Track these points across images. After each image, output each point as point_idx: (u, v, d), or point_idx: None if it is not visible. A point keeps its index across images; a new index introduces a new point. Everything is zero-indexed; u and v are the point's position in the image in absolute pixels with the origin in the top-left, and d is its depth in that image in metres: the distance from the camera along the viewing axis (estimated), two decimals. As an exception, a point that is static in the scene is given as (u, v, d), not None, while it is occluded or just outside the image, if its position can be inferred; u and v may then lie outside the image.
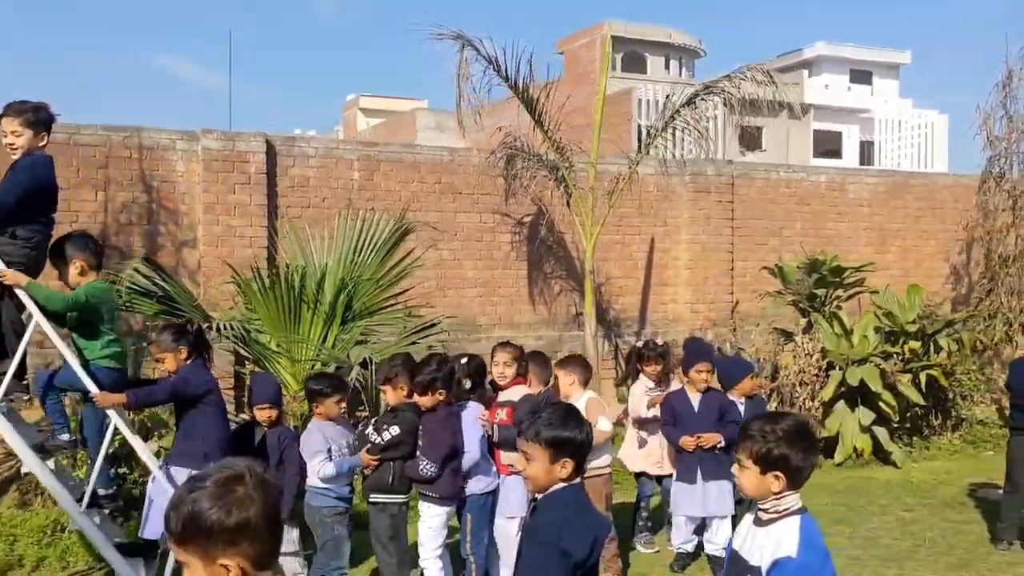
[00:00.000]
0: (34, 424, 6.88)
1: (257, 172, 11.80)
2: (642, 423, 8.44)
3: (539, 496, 3.90)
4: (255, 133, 11.88)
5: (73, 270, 6.44)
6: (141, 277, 9.12)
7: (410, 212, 12.46)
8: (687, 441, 7.56)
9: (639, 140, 23.87)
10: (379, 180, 12.64)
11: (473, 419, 6.77)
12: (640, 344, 9.11)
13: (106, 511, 6.68)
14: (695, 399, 7.71)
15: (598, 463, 7.09)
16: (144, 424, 9.07)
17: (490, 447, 6.90)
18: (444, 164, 13.08)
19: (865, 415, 11.39)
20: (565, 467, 3.80)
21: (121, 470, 8.86)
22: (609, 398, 13.15)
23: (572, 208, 11.60)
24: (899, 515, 9.48)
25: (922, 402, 11.67)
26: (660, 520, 8.73)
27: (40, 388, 6.58)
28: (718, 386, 7.91)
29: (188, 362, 6.37)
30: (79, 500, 6.19)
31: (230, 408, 8.21)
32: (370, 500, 6.48)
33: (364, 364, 8.55)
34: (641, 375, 8.71)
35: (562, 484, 3.83)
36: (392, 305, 10.01)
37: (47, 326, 6.17)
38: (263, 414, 6.57)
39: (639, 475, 8.70)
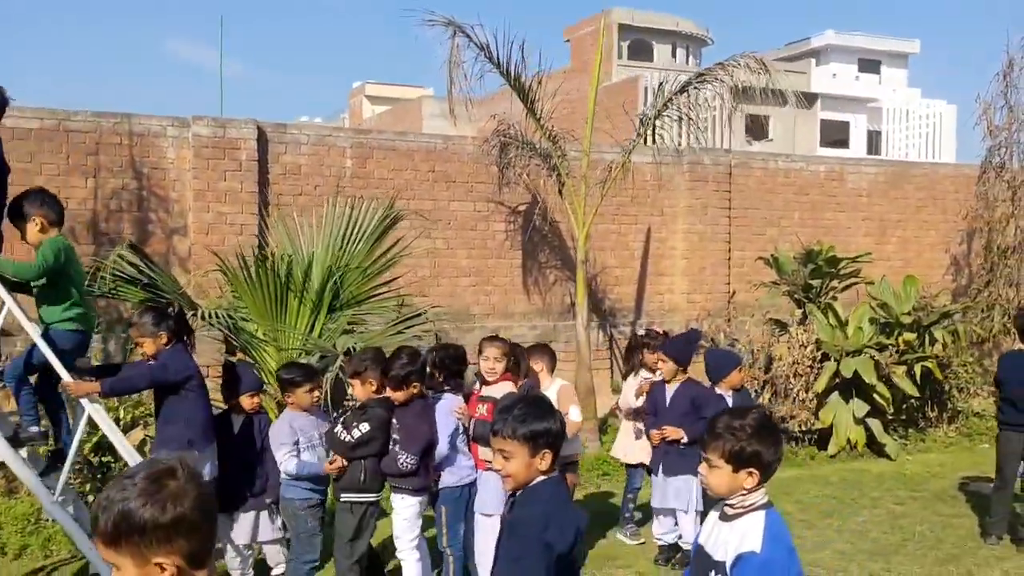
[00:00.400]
0: (8, 413, 6.83)
1: (248, 159, 11.72)
2: (636, 414, 8.37)
3: (518, 492, 3.82)
4: (246, 120, 11.80)
5: (32, 227, 6.30)
6: (126, 264, 9.02)
7: (403, 200, 12.39)
8: (653, 434, 7.55)
9: (651, 130, 23.77)
10: (372, 168, 12.55)
11: (447, 411, 6.68)
12: (641, 333, 9.05)
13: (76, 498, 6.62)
14: (669, 391, 7.64)
15: (564, 453, 7.04)
16: (132, 415, 9.01)
17: (468, 440, 6.83)
18: (438, 152, 12.99)
19: (859, 407, 11.32)
20: (544, 459, 3.75)
21: (105, 459, 8.83)
22: (604, 389, 13.09)
23: (565, 197, 11.50)
24: (890, 508, 9.42)
25: (916, 394, 11.60)
26: (649, 512, 8.66)
27: (12, 378, 6.51)
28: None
29: (168, 347, 6.29)
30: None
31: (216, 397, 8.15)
32: (340, 499, 6.41)
33: (349, 353, 8.46)
34: (642, 367, 8.65)
35: (542, 477, 3.78)
36: (381, 294, 9.90)
37: (19, 313, 6.10)
38: (253, 401, 6.52)
39: (631, 466, 8.63)
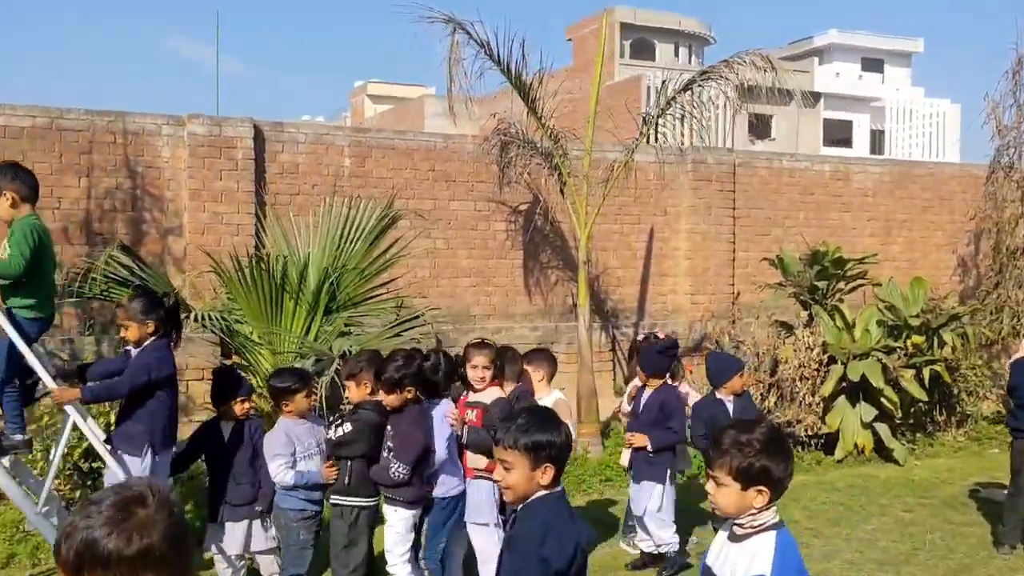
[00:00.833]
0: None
1: (245, 158, 11.51)
2: None
3: (519, 506, 3.68)
4: (242, 118, 11.59)
5: (4, 202, 6.02)
6: (118, 266, 8.83)
7: (403, 200, 12.19)
8: (626, 439, 7.43)
9: (653, 129, 23.55)
10: (371, 167, 12.34)
11: (442, 417, 6.48)
12: (641, 338, 8.84)
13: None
14: (644, 397, 7.46)
15: None
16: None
17: (458, 448, 6.62)
18: (438, 151, 12.78)
19: (866, 411, 11.11)
20: (546, 473, 3.62)
21: (96, 464, 8.62)
22: (606, 391, 12.88)
23: (567, 196, 11.29)
24: (899, 516, 9.21)
25: (925, 398, 11.38)
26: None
27: None
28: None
29: (152, 338, 6.07)
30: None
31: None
32: (331, 503, 6.21)
33: (345, 357, 8.27)
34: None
35: (544, 491, 3.64)
36: (379, 295, 9.71)
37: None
38: (244, 407, 6.31)
39: None
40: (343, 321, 9.09)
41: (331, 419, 6.55)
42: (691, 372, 11.91)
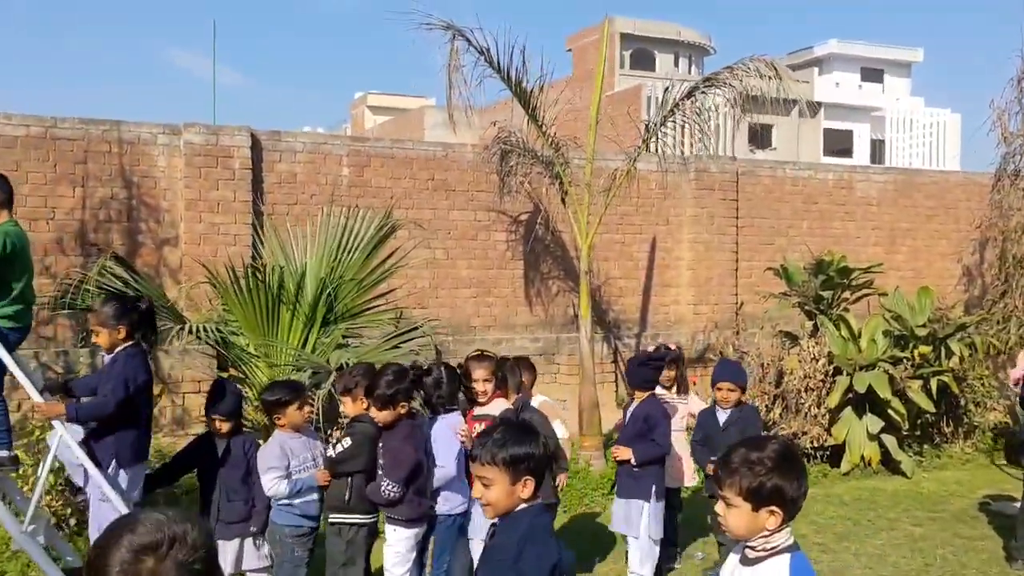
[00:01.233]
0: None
1: (242, 167, 11.37)
2: None
3: (498, 520, 3.59)
4: (239, 127, 11.43)
5: None
6: (111, 276, 8.66)
7: (402, 209, 12.03)
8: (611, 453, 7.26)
9: (655, 138, 23.36)
10: (369, 176, 12.19)
11: (451, 432, 6.31)
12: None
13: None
14: (631, 408, 7.27)
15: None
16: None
17: (465, 463, 6.44)
18: (437, 160, 12.63)
19: (873, 423, 10.94)
20: (527, 486, 3.53)
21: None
22: (608, 403, 12.70)
23: (568, 206, 11.13)
24: (908, 530, 9.01)
25: (932, 409, 11.20)
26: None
27: None
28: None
29: (124, 344, 5.86)
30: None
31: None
32: (329, 520, 6.03)
33: (341, 369, 8.09)
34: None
35: (524, 505, 3.55)
36: (377, 306, 9.53)
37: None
38: (221, 426, 6.11)
39: None
40: (340, 333, 8.91)
41: (328, 436, 6.39)
42: (695, 383, 11.74)
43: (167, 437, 10.62)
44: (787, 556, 3.35)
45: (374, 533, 6.26)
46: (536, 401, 7.18)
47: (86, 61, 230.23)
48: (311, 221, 9.93)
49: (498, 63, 10.46)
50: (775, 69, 9.99)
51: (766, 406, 10.95)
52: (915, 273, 15.48)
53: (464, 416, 6.59)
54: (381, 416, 5.93)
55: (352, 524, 5.99)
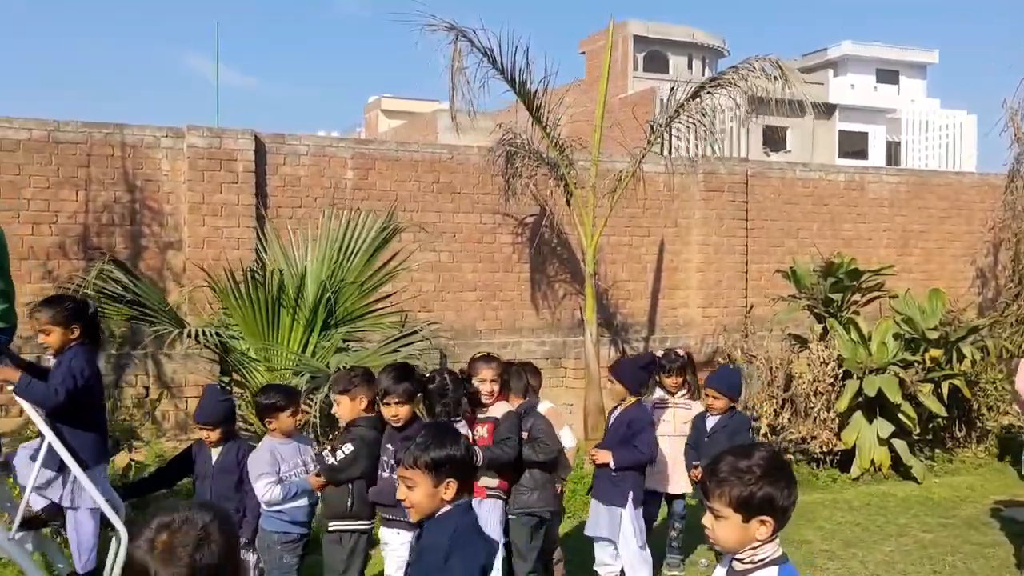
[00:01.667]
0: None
1: (245, 171, 11.30)
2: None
3: (425, 522, 3.73)
4: (243, 130, 11.37)
5: None
6: (111, 280, 8.60)
7: (407, 212, 11.95)
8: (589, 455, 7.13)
9: (660, 139, 23.23)
10: (374, 179, 12.11)
11: None
12: (660, 354, 8.51)
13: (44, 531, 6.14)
14: (616, 413, 7.14)
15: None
16: (112, 438, 8.54)
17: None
18: (442, 162, 12.54)
19: (883, 427, 10.78)
20: (449, 488, 3.68)
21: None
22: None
23: (573, 208, 11.02)
24: (918, 536, 8.86)
25: (944, 413, 11.03)
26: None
27: None
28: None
29: (75, 344, 5.78)
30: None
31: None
32: (329, 528, 5.92)
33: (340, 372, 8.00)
34: (659, 387, 8.15)
35: (448, 507, 3.70)
36: (379, 309, 9.44)
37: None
38: (208, 435, 6.00)
39: (672, 496, 8.03)
40: (341, 336, 8.83)
41: (323, 445, 6.28)
42: (702, 385, 11.60)
43: (170, 442, 10.55)
44: (775, 568, 3.22)
45: (371, 540, 6.16)
46: (543, 407, 7.05)
47: (102, 66, 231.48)
48: (315, 224, 9.87)
49: (501, 64, 10.36)
50: (780, 69, 9.86)
51: (774, 410, 10.82)
52: (928, 275, 15.31)
53: (468, 423, 6.47)
54: (404, 412, 5.80)
55: (354, 531, 5.88)
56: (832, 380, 10.92)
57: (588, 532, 7.15)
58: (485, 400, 6.48)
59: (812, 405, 10.89)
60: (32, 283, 10.33)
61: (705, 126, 10.53)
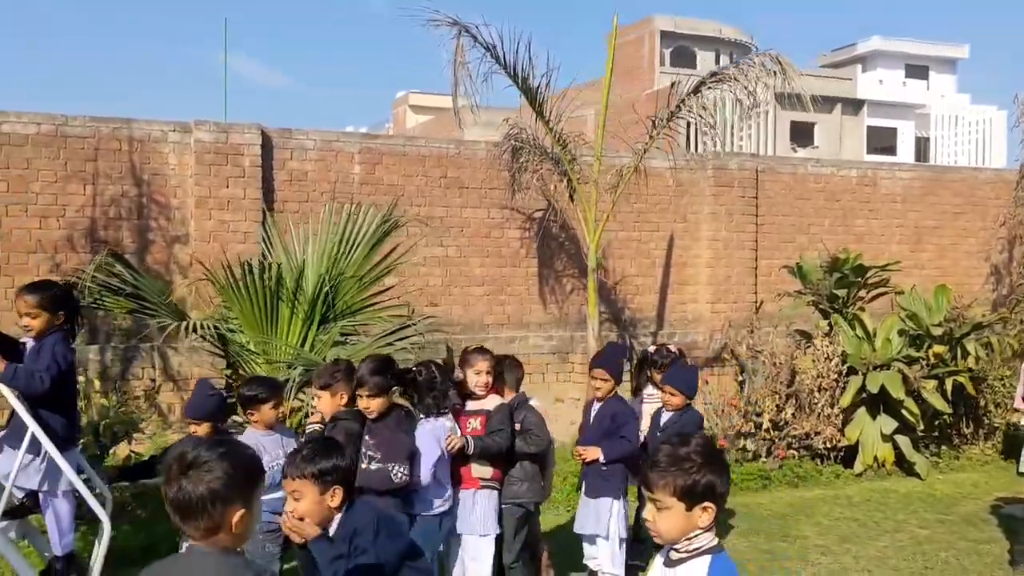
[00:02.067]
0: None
1: (252, 165, 11.40)
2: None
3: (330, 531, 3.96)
4: (249, 124, 11.47)
5: None
6: (111, 273, 8.69)
7: (415, 207, 12.02)
8: (576, 451, 7.05)
9: (687, 137, 23.15)
10: (381, 174, 12.18)
11: (431, 438, 6.20)
12: (651, 349, 8.52)
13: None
14: (595, 408, 7.10)
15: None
16: (110, 428, 8.66)
17: (453, 462, 6.36)
18: (450, 157, 12.59)
19: (887, 423, 10.73)
20: (335, 496, 3.92)
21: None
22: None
23: (576, 203, 11.03)
24: (914, 532, 8.83)
25: (947, 410, 10.96)
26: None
27: None
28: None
29: (57, 329, 5.85)
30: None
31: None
32: None
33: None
34: (650, 383, 8.16)
35: (339, 515, 3.96)
36: (378, 303, 9.47)
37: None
38: (196, 429, 6.06)
39: None
40: (338, 330, 8.88)
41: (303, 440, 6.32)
42: (707, 383, 11.60)
43: (176, 434, 10.64)
44: (708, 558, 3.23)
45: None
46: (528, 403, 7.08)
47: (137, 64, 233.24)
48: (313, 219, 9.93)
49: (504, 60, 10.40)
50: (780, 64, 9.83)
51: (777, 405, 10.78)
52: (941, 272, 15.20)
53: (455, 417, 6.50)
54: (376, 404, 5.84)
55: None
56: (836, 376, 10.88)
57: (577, 530, 7.15)
58: (479, 392, 6.50)
59: (816, 401, 10.86)
60: (40, 276, 10.43)
61: (707, 121, 10.51)
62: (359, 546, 3.88)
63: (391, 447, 5.82)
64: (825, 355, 10.99)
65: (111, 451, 8.70)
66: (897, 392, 10.40)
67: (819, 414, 10.85)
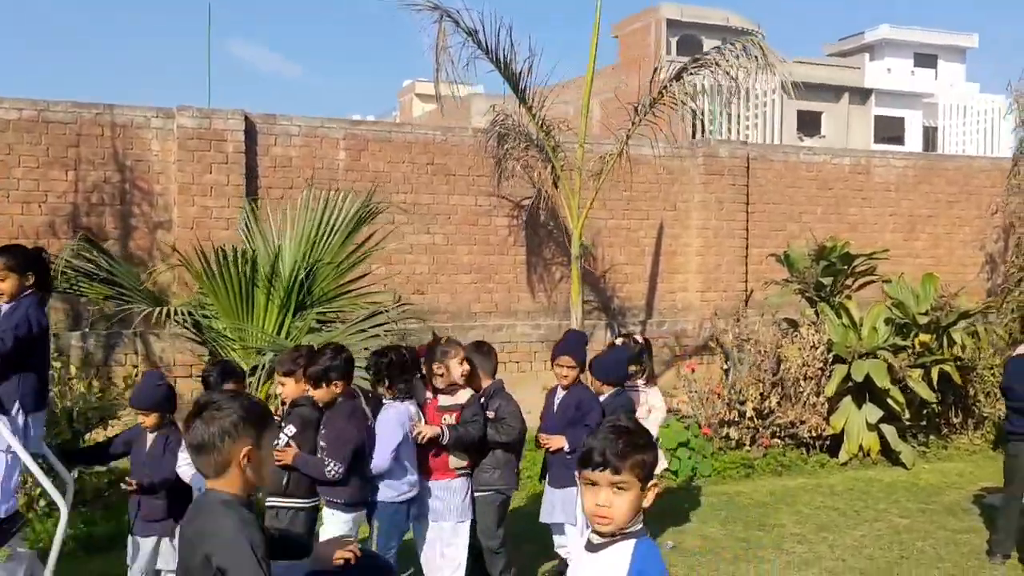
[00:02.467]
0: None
1: (235, 151, 11.33)
2: None
3: None
4: (233, 111, 11.40)
5: None
6: (84, 259, 8.65)
7: (401, 194, 11.97)
8: (541, 439, 6.94)
9: (693, 126, 23.05)
10: (367, 160, 12.11)
11: (395, 422, 6.16)
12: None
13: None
14: (559, 396, 7.01)
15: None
16: (84, 415, 8.62)
17: (420, 451, 6.31)
18: (437, 144, 12.51)
19: (872, 412, 10.67)
20: None
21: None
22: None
23: (560, 190, 10.96)
24: (893, 522, 8.77)
25: (933, 399, 10.88)
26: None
27: None
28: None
29: (28, 292, 5.76)
30: None
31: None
32: (267, 504, 5.94)
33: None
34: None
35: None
36: (355, 290, 9.42)
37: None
38: (139, 419, 5.99)
39: None
40: (313, 317, 8.83)
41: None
42: (692, 371, 11.54)
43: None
44: (632, 542, 3.14)
45: (314, 518, 6.16)
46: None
47: (150, 52, 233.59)
48: (291, 204, 9.86)
49: (486, 45, 10.32)
50: (762, 50, 9.73)
51: (761, 394, 10.71)
52: (935, 261, 15.08)
53: (421, 407, 6.45)
54: (317, 395, 5.85)
55: (289, 508, 5.89)
56: (822, 364, 10.81)
57: (544, 519, 7.10)
58: (460, 382, 6.47)
59: (801, 389, 10.79)
60: (22, 262, 10.41)
61: (690, 107, 10.42)
62: None
63: (336, 441, 5.79)
64: (811, 343, 10.92)
65: (84, 437, 8.65)
66: (882, 381, 10.33)
67: (804, 403, 10.79)
